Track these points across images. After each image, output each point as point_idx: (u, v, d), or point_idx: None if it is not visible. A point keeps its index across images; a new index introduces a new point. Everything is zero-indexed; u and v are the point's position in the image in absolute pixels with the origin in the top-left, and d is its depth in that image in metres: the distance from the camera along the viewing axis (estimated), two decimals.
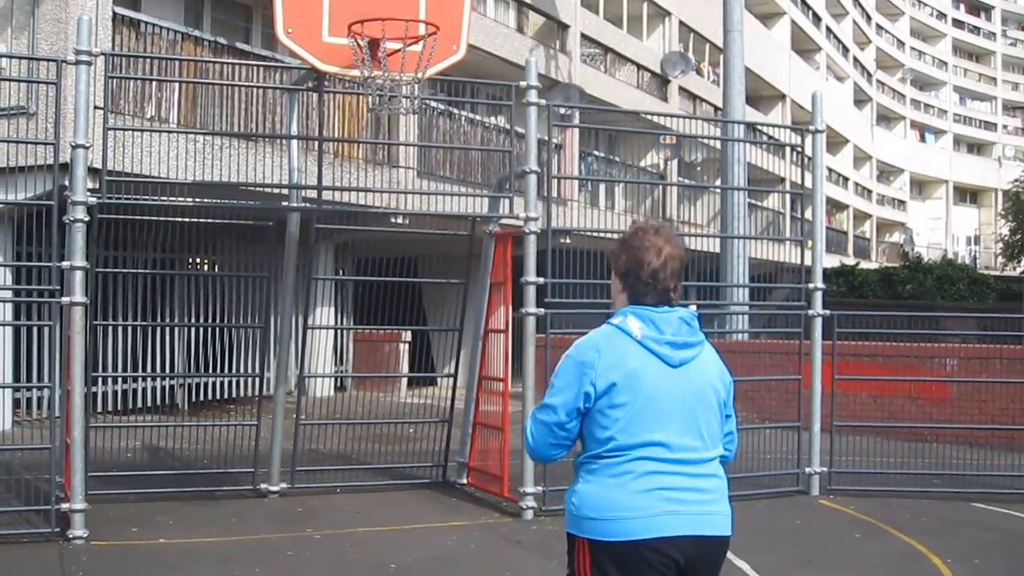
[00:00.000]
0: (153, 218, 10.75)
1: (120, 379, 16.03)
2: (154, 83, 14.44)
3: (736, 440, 4.25)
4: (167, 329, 17.04)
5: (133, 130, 13.17)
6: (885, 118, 68.55)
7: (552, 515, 9.96)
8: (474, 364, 11.51)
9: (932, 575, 8.51)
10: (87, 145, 9.04)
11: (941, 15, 77.68)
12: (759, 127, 30.87)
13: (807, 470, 11.53)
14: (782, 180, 31.65)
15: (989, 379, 14.36)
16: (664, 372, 3.89)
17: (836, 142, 52.91)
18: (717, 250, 21.48)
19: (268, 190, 14.01)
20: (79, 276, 8.92)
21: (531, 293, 10.31)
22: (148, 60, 13.67)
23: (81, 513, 8.86)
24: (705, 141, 26.69)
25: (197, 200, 11.23)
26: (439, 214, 13.94)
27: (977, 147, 78.48)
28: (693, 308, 4.16)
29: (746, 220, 23.06)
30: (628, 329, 3.92)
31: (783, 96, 44.04)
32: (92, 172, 9.59)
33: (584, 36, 28.05)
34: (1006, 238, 52.39)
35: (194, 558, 8.62)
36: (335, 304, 20.13)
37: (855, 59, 61.88)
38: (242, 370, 18.04)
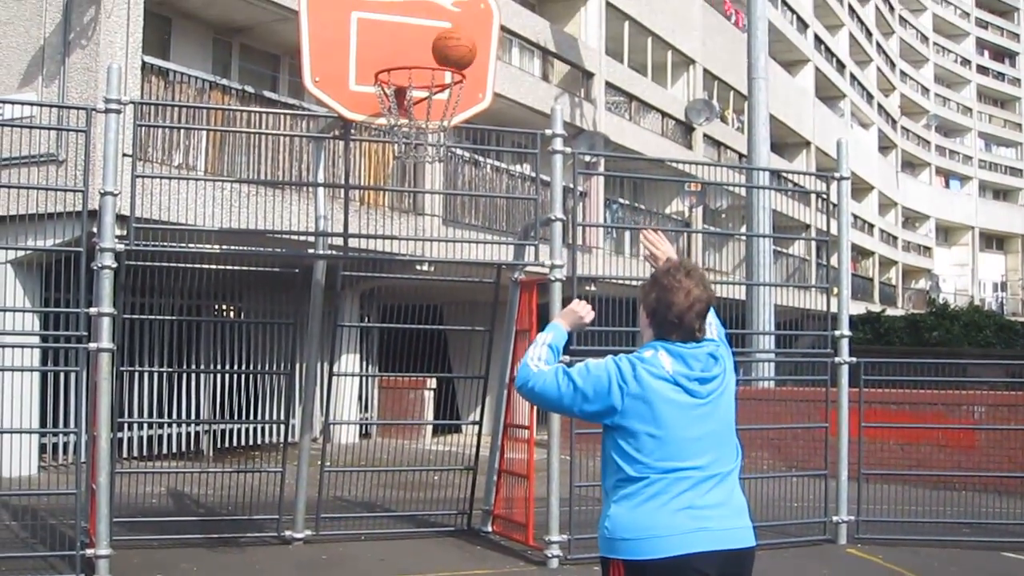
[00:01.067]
0: (180, 265, 10.80)
1: (146, 425, 16.07)
2: (182, 131, 14.56)
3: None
4: (193, 375, 17.10)
5: (161, 177, 13.30)
6: (910, 164, 68.50)
7: (577, 563, 9.91)
8: (499, 411, 11.49)
9: None
10: (115, 192, 9.11)
11: (965, 61, 77.75)
12: (784, 174, 30.85)
13: (834, 519, 11.43)
14: (807, 227, 31.67)
15: (1018, 426, 14.24)
16: (692, 405, 4.08)
17: (861, 189, 52.87)
18: (743, 297, 21.44)
19: (294, 237, 14.09)
20: (106, 322, 8.97)
21: None
22: (176, 108, 13.79)
23: (106, 559, 8.86)
24: (730, 188, 26.68)
25: (224, 247, 11.28)
26: (464, 261, 13.95)
27: (1003, 193, 78.30)
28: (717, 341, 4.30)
29: (772, 267, 23.00)
30: (661, 363, 4.09)
31: (808, 143, 44.06)
32: (120, 219, 9.66)
33: (609, 84, 28.15)
34: None
35: None
36: (360, 351, 20.16)
37: (879, 106, 61.95)
38: (267, 417, 18.05)
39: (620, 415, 4.09)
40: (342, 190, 11.93)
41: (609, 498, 4.14)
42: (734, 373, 4.32)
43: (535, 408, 10.60)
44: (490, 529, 11.39)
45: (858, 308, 38.53)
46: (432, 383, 19.89)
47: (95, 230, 9.21)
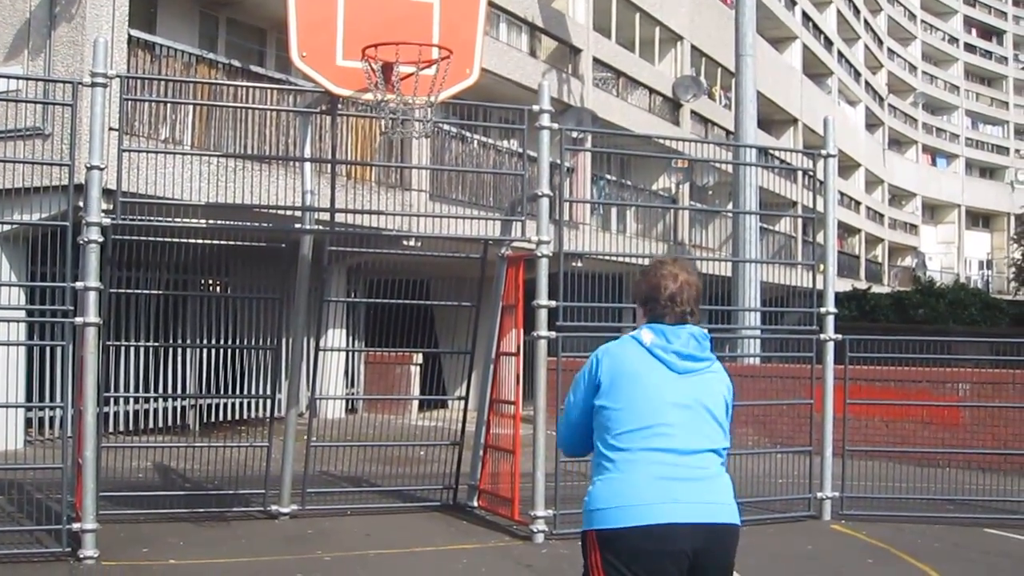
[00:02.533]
0: (166, 239, 10.78)
1: (132, 399, 16.06)
2: (168, 105, 14.52)
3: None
4: (179, 350, 17.09)
5: (147, 152, 13.26)
6: (897, 142, 68.58)
7: (563, 539, 9.95)
8: (485, 387, 11.51)
9: None
10: (102, 166, 9.09)
11: (953, 39, 77.77)
12: (771, 151, 30.89)
13: (819, 495, 11.50)
14: (794, 204, 31.72)
15: (1002, 404, 14.32)
16: (667, 376, 4.16)
17: (848, 166, 52.91)
18: (729, 274, 21.48)
19: (281, 212, 14.07)
20: (92, 296, 8.96)
21: (543, 316, 10.32)
22: (163, 82, 13.74)
23: (92, 533, 8.87)
24: (717, 165, 26.72)
25: (210, 221, 11.27)
26: (451, 237, 13.96)
27: (989, 171, 78.46)
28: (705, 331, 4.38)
29: (758, 244, 23.04)
30: (640, 338, 4.23)
31: (795, 120, 44.07)
32: (106, 193, 9.63)
33: (596, 60, 28.10)
34: (1019, 262, 52.35)
35: None
36: (347, 326, 20.16)
37: (867, 83, 61.98)
38: (254, 391, 18.05)
39: (601, 393, 4.19)
40: (329, 165, 11.92)
41: (592, 475, 4.22)
42: (728, 380, 4.35)
43: (521, 383, 10.63)
44: (476, 504, 11.43)
45: (844, 285, 38.64)
46: (418, 358, 19.90)
47: (81, 204, 9.19)
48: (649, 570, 3.98)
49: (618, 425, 4.11)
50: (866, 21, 63.27)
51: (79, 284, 8.94)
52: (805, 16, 49.94)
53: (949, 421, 15.01)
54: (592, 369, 4.24)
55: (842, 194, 49.24)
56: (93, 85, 9.07)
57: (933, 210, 72.56)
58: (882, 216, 61.12)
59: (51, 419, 14.95)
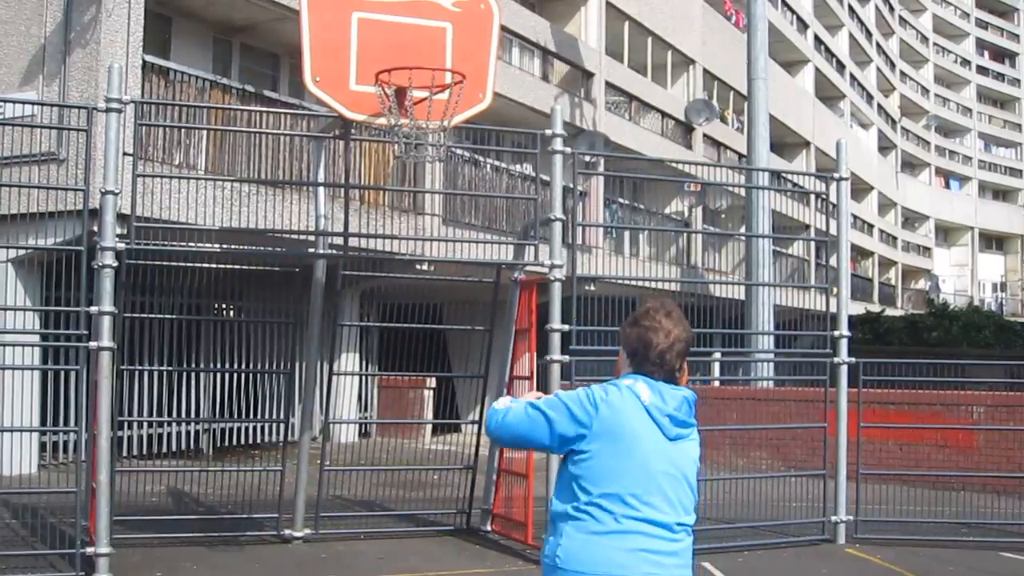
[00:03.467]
0: (181, 264, 10.82)
1: (146, 424, 16.08)
2: (182, 130, 14.58)
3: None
4: (193, 374, 17.11)
5: (162, 176, 13.31)
6: (910, 165, 68.51)
7: None
8: None
9: None
10: (116, 191, 9.13)
11: (965, 62, 77.75)
12: (784, 174, 30.87)
13: (833, 519, 11.46)
14: (807, 227, 31.64)
15: (1017, 427, 14.26)
16: (660, 441, 4.04)
17: (861, 189, 52.87)
18: (742, 297, 21.46)
19: (295, 236, 14.10)
20: (107, 321, 8.99)
21: (556, 340, 10.33)
22: (177, 107, 13.81)
23: (106, 557, 8.88)
24: (730, 188, 26.70)
25: (224, 246, 11.30)
26: (464, 261, 13.96)
27: (1003, 193, 78.33)
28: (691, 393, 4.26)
29: (771, 267, 23.02)
30: (638, 393, 4.07)
31: (807, 143, 44.07)
32: (121, 218, 9.69)
33: (609, 84, 28.15)
34: None
35: None
36: (360, 350, 20.17)
37: (879, 106, 61.96)
38: (267, 416, 18.05)
39: (589, 438, 4.04)
40: (342, 189, 11.95)
41: (561, 524, 4.08)
42: (699, 446, 4.24)
43: None
44: (489, 528, 11.41)
45: (857, 308, 38.53)
46: (432, 382, 19.90)
47: (96, 229, 9.23)
48: None
49: (607, 484, 3.99)
50: (878, 44, 63.30)
51: (93, 309, 8.98)
52: (817, 39, 49.98)
53: (964, 444, 14.95)
54: (585, 409, 4.05)
55: (855, 217, 49.18)
56: (108, 110, 9.13)
57: (946, 232, 72.43)
58: (895, 239, 61.02)
59: (65, 443, 14.97)
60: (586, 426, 4.03)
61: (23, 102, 12.73)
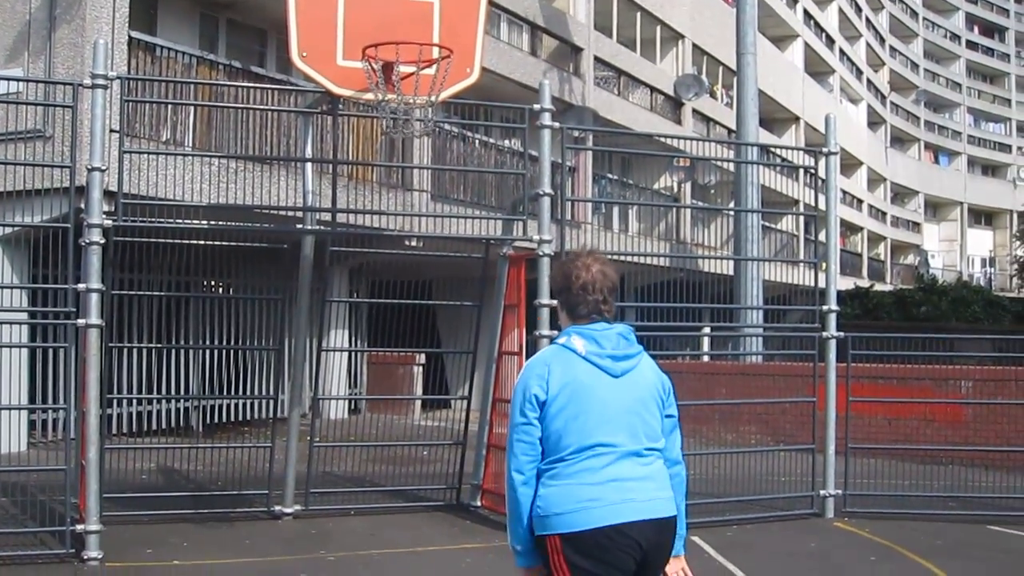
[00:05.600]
0: (168, 241, 10.79)
1: (135, 401, 16.08)
2: (169, 106, 14.52)
3: (680, 441, 4.59)
4: (182, 351, 17.09)
5: (148, 153, 13.27)
6: (899, 140, 68.52)
7: None
8: (488, 386, 11.52)
9: None
10: (103, 168, 9.10)
11: (955, 37, 77.66)
12: (773, 149, 30.86)
13: (822, 493, 11.49)
14: (796, 202, 31.66)
15: (1005, 401, 14.30)
16: (608, 382, 4.32)
17: (850, 164, 52.88)
18: (731, 272, 21.48)
19: (282, 213, 14.07)
20: (95, 298, 8.97)
21: (545, 316, 10.33)
22: (163, 84, 13.75)
23: (96, 534, 8.88)
24: (719, 164, 26.70)
25: (212, 223, 11.28)
26: (453, 237, 13.96)
27: (992, 169, 78.37)
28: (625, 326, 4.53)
29: (760, 242, 23.04)
30: (573, 347, 4.35)
31: (797, 118, 44.06)
32: (108, 195, 9.65)
33: (598, 59, 28.09)
34: (1021, 259, 52.28)
35: None
36: (349, 327, 20.16)
37: (869, 81, 61.92)
38: (257, 392, 18.06)
39: (548, 405, 4.28)
40: (330, 165, 11.92)
41: (539, 482, 4.32)
42: (657, 369, 4.50)
43: None
44: (479, 504, 11.43)
45: (846, 283, 38.61)
46: (421, 358, 19.90)
47: (83, 206, 9.19)
48: (610, 563, 4.18)
49: (568, 435, 4.25)
50: (868, 19, 63.19)
51: (81, 286, 8.95)
52: (807, 14, 49.90)
53: (952, 418, 14.99)
54: (539, 384, 4.30)
55: (844, 192, 49.22)
56: (94, 87, 9.08)
57: (935, 208, 72.48)
58: (884, 214, 61.07)
59: (54, 421, 14.96)
60: (543, 399, 4.29)
61: (9, 79, 12.69)
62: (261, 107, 14.92)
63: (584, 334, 4.37)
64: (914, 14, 73.22)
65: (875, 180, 59.74)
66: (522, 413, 4.32)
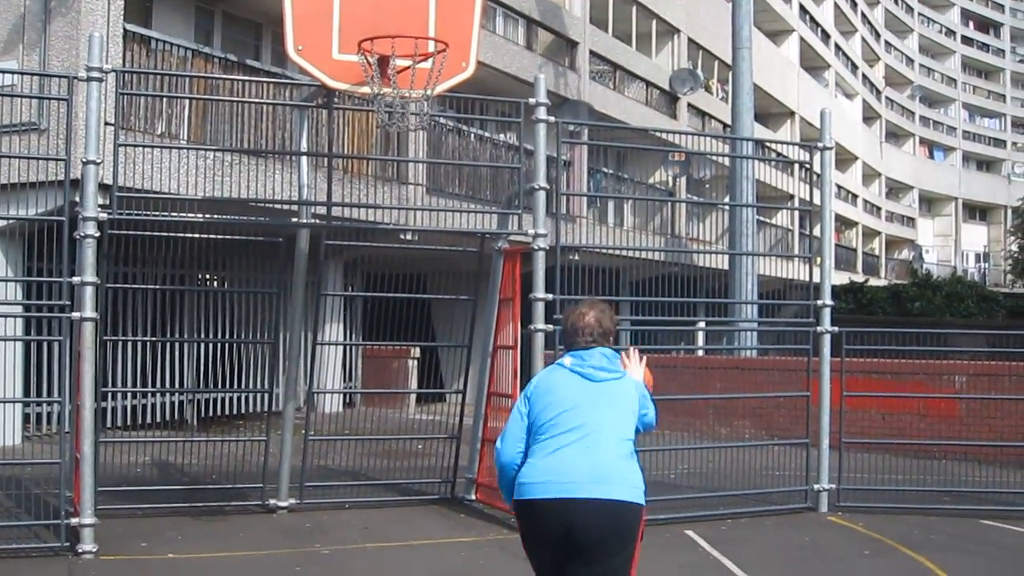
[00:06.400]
0: (163, 234, 10.78)
1: (130, 394, 16.06)
2: (164, 99, 14.50)
3: (653, 411, 5.49)
4: (177, 345, 17.07)
5: (144, 146, 13.23)
6: (894, 135, 68.55)
7: None
8: (483, 380, 11.53)
9: None
10: (98, 161, 9.08)
11: (950, 32, 77.69)
12: (768, 144, 30.88)
13: (816, 487, 11.51)
14: (791, 197, 31.74)
15: (998, 396, 14.34)
16: (583, 385, 5.22)
17: (845, 159, 52.93)
18: (726, 267, 21.50)
19: (278, 206, 14.06)
20: (89, 291, 8.97)
21: (540, 310, 10.33)
22: (158, 77, 13.74)
23: (90, 528, 8.89)
24: (714, 158, 26.71)
25: (207, 216, 11.26)
26: (448, 231, 13.97)
27: (986, 164, 78.43)
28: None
29: (755, 237, 23.06)
30: (562, 363, 5.36)
31: (792, 113, 44.07)
32: (103, 188, 9.64)
33: (593, 53, 28.08)
34: (1015, 255, 52.34)
35: (203, 573, 8.66)
36: (344, 320, 20.15)
37: (864, 76, 61.94)
38: (251, 386, 18.05)
39: (533, 405, 5.26)
40: (325, 159, 11.91)
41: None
42: (638, 386, 5.42)
43: (518, 376, 10.64)
44: (474, 497, 11.44)
45: (841, 278, 38.68)
46: (416, 352, 19.92)
47: (77, 199, 9.19)
48: (538, 531, 5.09)
49: (540, 421, 5.18)
50: (863, 14, 63.23)
51: (76, 279, 8.95)
52: (802, 9, 49.91)
53: (946, 413, 15.02)
54: (527, 394, 5.32)
55: (839, 187, 49.25)
56: (89, 80, 9.07)
57: (930, 203, 72.54)
58: (879, 209, 61.12)
59: (49, 414, 14.95)
60: (529, 400, 5.30)
61: (3, 71, 12.68)
62: (256, 100, 14.89)
63: (573, 353, 5.36)
64: (909, 9, 73.23)
65: (870, 175, 59.80)
66: (517, 409, 5.33)
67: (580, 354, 5.30)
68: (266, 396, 12.17)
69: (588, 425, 5.07)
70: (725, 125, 32.93)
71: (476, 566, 9.00)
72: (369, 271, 21.07)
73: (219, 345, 17.43)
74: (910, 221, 68.06)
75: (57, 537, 8.91)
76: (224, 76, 15.30)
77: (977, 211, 75.91)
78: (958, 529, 10.73)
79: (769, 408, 15.60)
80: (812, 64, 50.22)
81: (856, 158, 55.76)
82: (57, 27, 14.11)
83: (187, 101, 14.82)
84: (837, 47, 56.24)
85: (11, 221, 13.08)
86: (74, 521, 8.92)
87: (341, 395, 19.27)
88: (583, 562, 4.95)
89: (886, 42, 68.47)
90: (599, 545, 4.91)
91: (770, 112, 42.25)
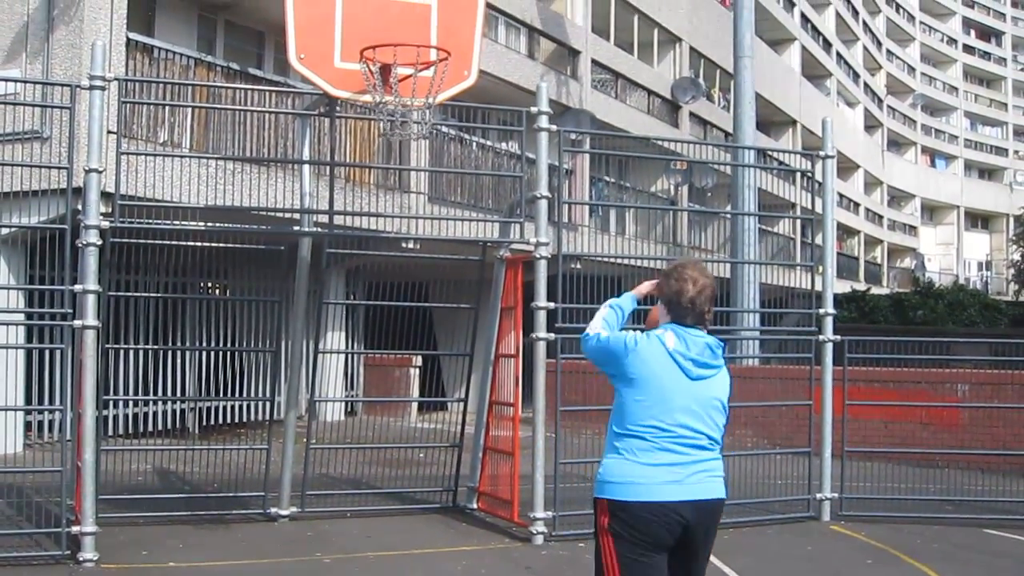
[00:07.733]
0: (165, 242, 10.78)
1: (131, 402, 16.06)
2: (167, 108, 14.51)
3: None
4: (179, 353, 17.07)
5: (146, 155, 13.24)
6: (896, 143, 68.58)
7: (562, 540, 9.96)
8: (485, 389, 11.52)
9: None
10: (100, 169, 9.09)
11: (952, 41, 77.78)
12: (769, 153, 30.87)
13: (818, 496, 11.50)
14: (793, 206, 31.61)
15: (1001, 405, 14.32)
16: (681, 379, 4.86)
17: (847, 167, 52.91)
18: (728, 275, 21.47)
19: (280, 215, 14.06)
20: (91, 299, 8.96)
21: (541, 318, 10.32)
22: (161, 85, 13.75)
23: (92, 536, 8.88)
24: (716, 167, 26.70)
25: (209, 224, 11.27)
26: (450, 239, 13.96)
27: (988, 172, 78.49)
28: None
29: (757, 245, 23.04)
30: (664, 340, 4.90)
31: (794, 122, 44.07)
32: (105, 196, 9.64)
33: (595, 62, 28.10)
34: (1018, 263, 52.28)
35: None
36: (346, 329, 20.16)
37: (866, 85, 61.98)
38: (253, 394, 18.05)
39: (626, 380, 4.89)
40: (327, 167, 11.91)
41: (608, 447, 4.95)
42: (729, 380, 5.06)
43: (520, 385, 10.64)
44: (475, 506, 11.43)
45: (843, 287, 38.61)
46: (418, 361, 19.90)
47: (80, 207, 9.19)
48: (648, 535, 4.75)
49: (635, 417, 4.84)
50: (865, 22, 63.28)
51: (78, 287, 8.94)
52: (804, 18, 49.96)
53: (948, 422, 15.01)
54: (625, 353, 4.89)
55: (841, 195, 49.23)
56: (91, 88, 9.08)
57: (932, 211, 72.57)
58: (881, 217, 61.12)
59: (50, 422, 14.96)
60: (628, 350, 4.90)
61: (6, 80, 12.65)
62: (259, 109, 14.91)
63: (678, 333, 4.92)
64: (911, 18, 73.34)
65: (872, 183, 59.81)
66: (620, 338, 4.98)
67: (686, 339, 4.90)
68: (268, 404, 12.17)
69: (685, 425, 4.82)
70: (727, 134, 32.93)
71: (477, 575, 8.98)
72: (371, 279, 21.07)
73: (221, 353, 17.44)
74: (912, 230, 68.06)
75: (58, 545, 8.90)
76: (226, 85, 15.34)
77: (979, 220, 75.95)
78: (961, 538, 10.71)
79: (771, 417, 15.58)
80: (814, 72, 50.24)
81: (858, 167, 55.79)
82: (60, 36, 14.13)
83: (189, 109, 14.82)
84: (839, 55, 56.29)
85: (13, 229, 13.07)
86: (75, 529, 8.91)
87: (343, 403, 19.27)
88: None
89: (888, 50, 68.54)
90: (703, 545, 4.93)
91: (772, 121, 42.25)
